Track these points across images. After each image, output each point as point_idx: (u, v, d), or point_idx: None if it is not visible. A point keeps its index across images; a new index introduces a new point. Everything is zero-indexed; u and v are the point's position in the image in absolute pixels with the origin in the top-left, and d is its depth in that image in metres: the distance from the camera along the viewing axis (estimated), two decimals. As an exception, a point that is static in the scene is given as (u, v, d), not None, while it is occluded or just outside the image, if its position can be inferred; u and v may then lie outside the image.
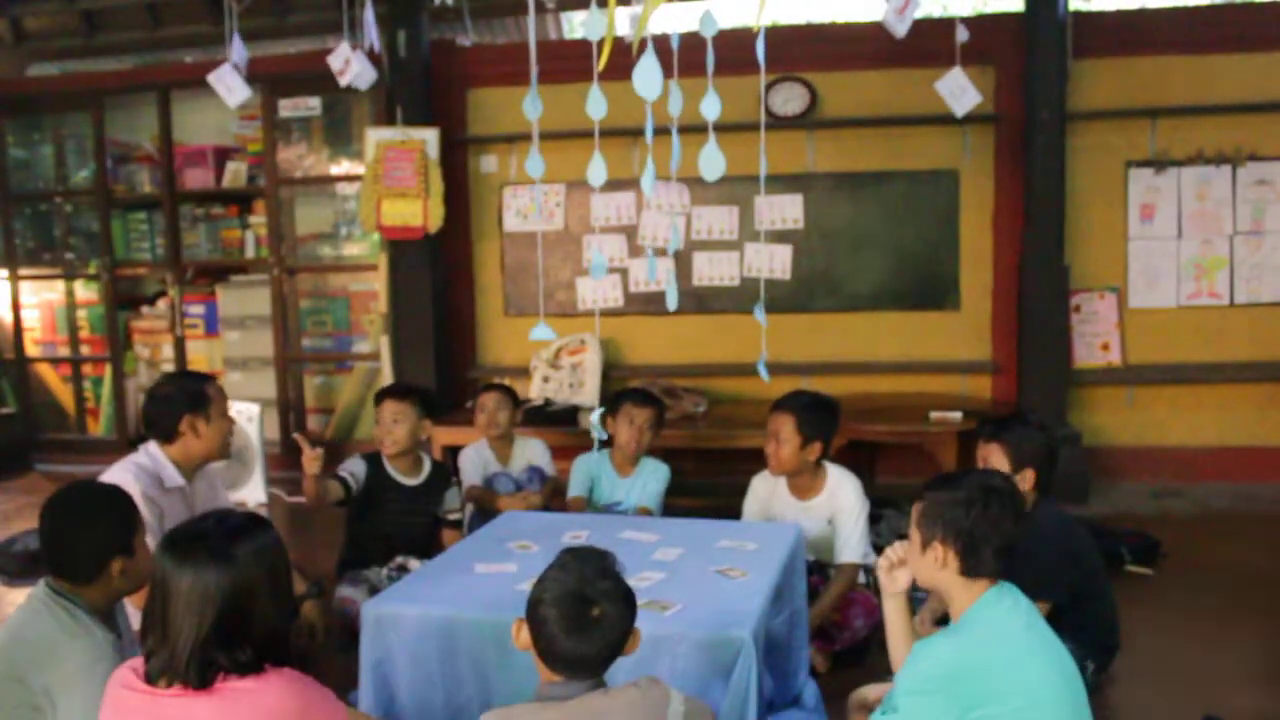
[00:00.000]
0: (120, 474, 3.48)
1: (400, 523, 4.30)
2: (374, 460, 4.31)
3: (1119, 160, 6.32)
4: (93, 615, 2.54)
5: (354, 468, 4.26)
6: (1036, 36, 5.99)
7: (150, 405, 3.67)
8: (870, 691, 2.89)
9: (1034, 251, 6.12)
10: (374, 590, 3.85)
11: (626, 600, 2.18)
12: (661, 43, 2.83)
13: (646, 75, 2.76)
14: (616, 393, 4.96)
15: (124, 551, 2.59)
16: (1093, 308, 6.39)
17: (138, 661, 2.16)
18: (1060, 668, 2.44)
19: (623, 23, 4.46)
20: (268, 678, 2.12)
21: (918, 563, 2.54)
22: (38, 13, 8.03)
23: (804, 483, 4.07)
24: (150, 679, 2.10)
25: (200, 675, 2.06)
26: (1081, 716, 2.45)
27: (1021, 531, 2.48)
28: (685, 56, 3.09)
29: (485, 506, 4.74)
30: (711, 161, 2.84)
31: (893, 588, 2.69)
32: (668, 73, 2.72)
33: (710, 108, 2.84)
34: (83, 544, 2.56)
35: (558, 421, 6.06)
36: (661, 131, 3.26)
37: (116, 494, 2.72)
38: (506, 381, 6.50)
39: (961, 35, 5.68)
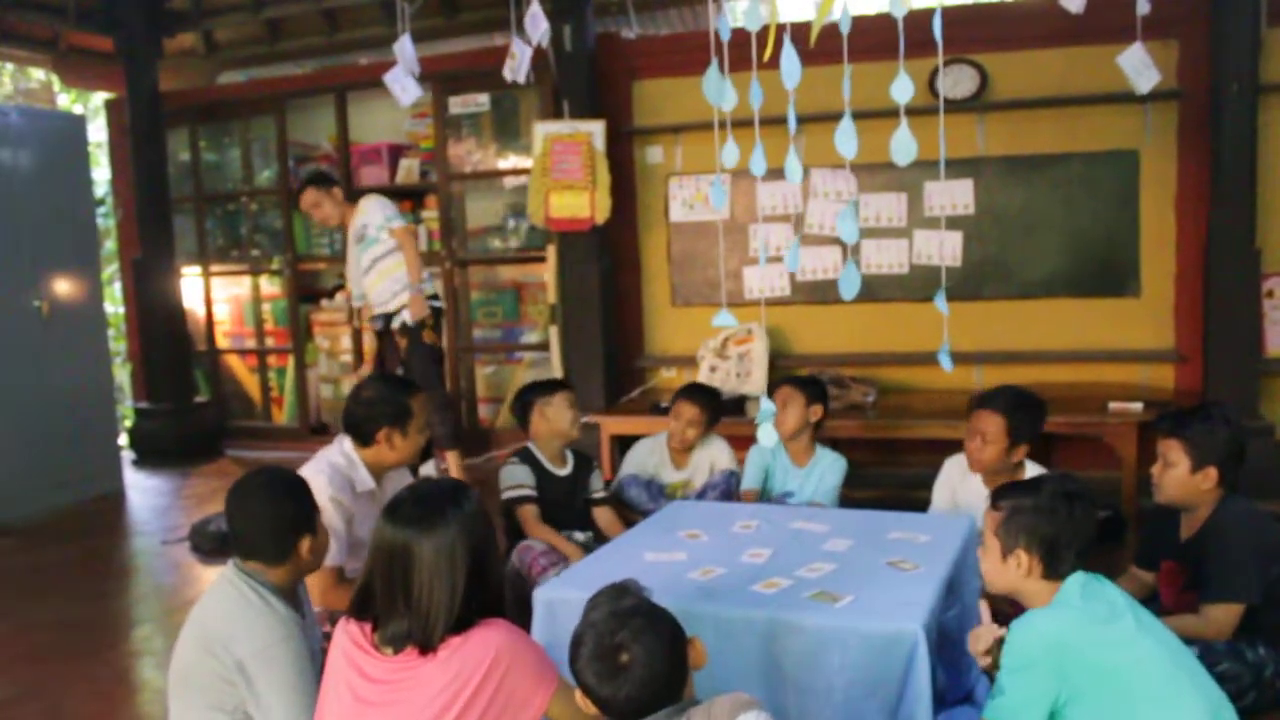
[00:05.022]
0: (314, 475, 3.45)
1: (557, 506, 4.40)
2: (527, 456, 4.44)
3: (1316, 135, 5.94)
4: (277, 594, 2.66)
5: (525, 479, 4.34)
6: (1225, 4, 5.67)
7: (354, 407, 3.65)
8: None
9: (1222, 234, 5.81)
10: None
11: (656, 629, 2.05)
12: (831, 29, 2.80)
13: (789, 65, 2.77)
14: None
15: (311, 530, 2.74)
16: (1287, 292, 6.04)
17: (355, 632, 2.27)
18: (1164, 643, 2.44)
19: (804, 9, 4.43)
20: (483, 630, 2.20)
21: (997, 571, 2.57)
22: (227, 24, 8.46)
23: (1002, 480, 3.97)
24: (392, 647, 2.21)
25: (446, 636, 2.16)
26: (1202, 691, 2.42)
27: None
28: (851, 41, 3.03)
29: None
30: (903, 146, 2.80)
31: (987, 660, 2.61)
32: (838, 59, 2.69)
33: (901, 90, 2.80)
34: (273, 524, 2.68)
35: (725, 411, 6.02)
36: (826, 119, 3.21)
37: (296, 478, 2.85)
38: (673, 371, 6.54)
39: (1142, 8, 5.43)
